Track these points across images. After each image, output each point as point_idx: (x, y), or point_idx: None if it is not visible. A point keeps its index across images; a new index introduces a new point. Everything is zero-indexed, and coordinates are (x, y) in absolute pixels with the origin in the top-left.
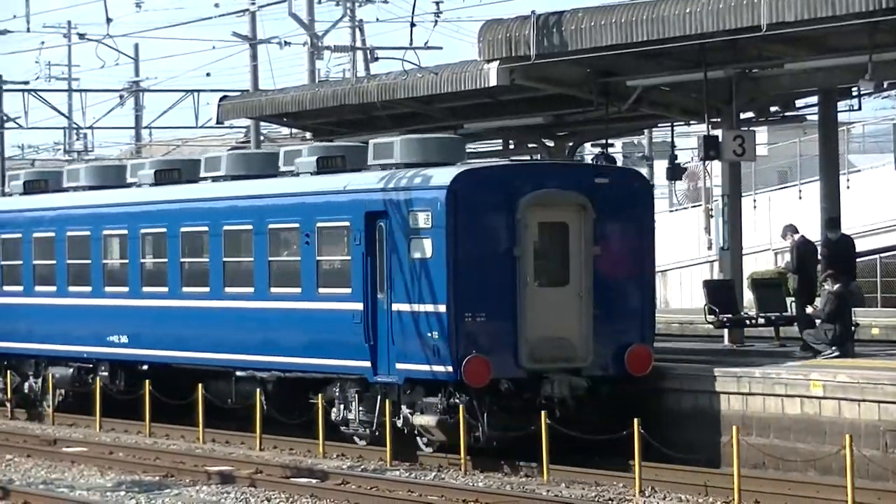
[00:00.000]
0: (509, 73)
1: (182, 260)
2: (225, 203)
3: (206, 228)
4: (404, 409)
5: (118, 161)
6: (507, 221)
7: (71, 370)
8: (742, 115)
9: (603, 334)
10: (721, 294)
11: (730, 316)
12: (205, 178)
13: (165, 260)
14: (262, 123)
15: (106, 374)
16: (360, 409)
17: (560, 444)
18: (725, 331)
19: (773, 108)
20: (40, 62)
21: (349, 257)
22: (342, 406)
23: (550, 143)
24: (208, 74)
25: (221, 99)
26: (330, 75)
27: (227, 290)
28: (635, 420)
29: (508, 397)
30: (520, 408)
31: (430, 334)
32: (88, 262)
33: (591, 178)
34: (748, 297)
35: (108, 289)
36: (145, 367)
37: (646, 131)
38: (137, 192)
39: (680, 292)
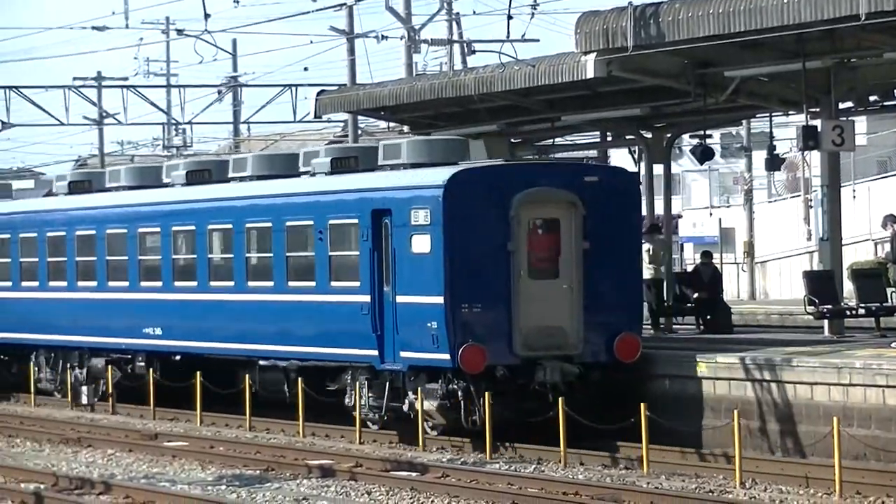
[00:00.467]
0: (606, 65)
1: (209, 256)
2: (247, 202)
3: (230, 226)
4: (410, 395)
5: (160, 160)
6: (501, 218)
7: (114, 361)
8: (841, 105)
9: (593, 323)
10: (821, 285)
11: (830, 307)
12: (233, 179)
13: (195, 256)
14: (359, 117)
15: (143, 364)
16: (370, 395)
17: (554, 429)
18: (825, 322)
19: (872, 98)
20: (139, 58)
21: (358, 252)
22: (352, 392)
23: (648, 135)
24: (306, 69)
25: (319, 93)
26: (427, 69)
27: (250, 283)
28: (735, 412)
29: (504, 383)
30: (515, 393)
31: (429, 324)
32: (126, 258)
33: (580, 176)
34: (848, 287)
35: (143, 283)
36: (178, 357)
37: (744, 122)
38: (170, 191)
39: (779, 283)
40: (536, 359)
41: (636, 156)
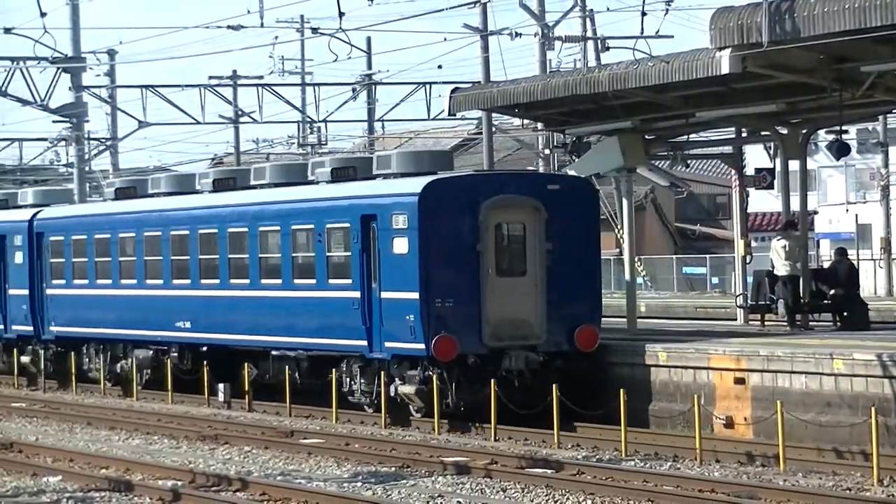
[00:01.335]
0: (741, 61)
1: (229, 256)
2: (259, 208)
3: (245, 229)
4: (397, 381)
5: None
6: (471, 222)
7: (150, 352)
8: None
9: (555, 316)
10: None
11: None
12: (253, 186)
13: (217, 256)
14: (493, 115)
15: (176, 355)
16: (362, 381)
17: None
18: None
19: None
20: (274, 57)
21: (350, 253)
22: (349, 379)
23: (783, 131)
24: (440, 66)
25: (453, 91)
26: (561, 66)
27: (263, 281)
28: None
29: (474, 370)
30: (484, 379)
31: (408, 317)
32: (160, 258)
33: (544, 184)
34: None
35: (175, 281)
36: (204, 348)
37: (880, 117)
38: (197, 198)
39: None
40: (503, 348)
41: (771, 152)
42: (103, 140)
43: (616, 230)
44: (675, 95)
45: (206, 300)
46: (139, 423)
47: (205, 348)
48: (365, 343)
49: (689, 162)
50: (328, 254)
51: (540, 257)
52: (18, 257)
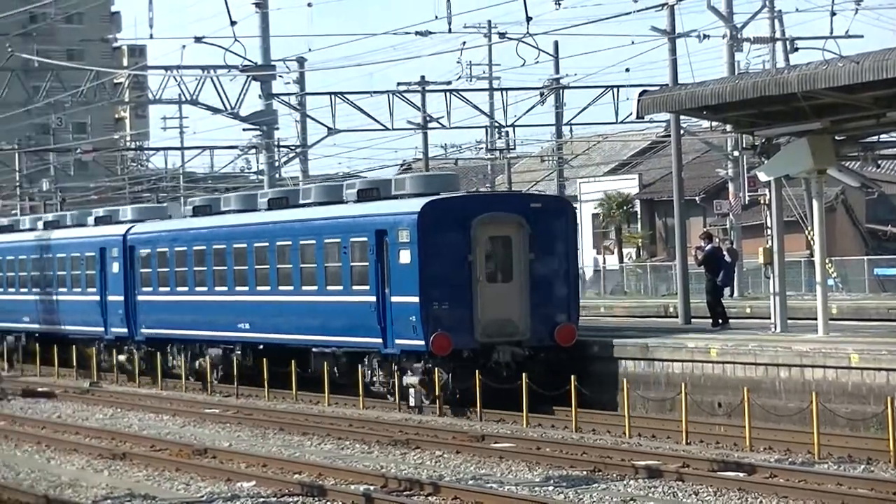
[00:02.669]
0: None
1: (277, 266)
2: (300, 224)
3: (290, 243)
4: (407, 373)
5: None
6: (463, 236)
7: (220, 351)
8: None
9: (538, 316)
10: None
11: None
12: (302, 205)
13: (268, 266)
14: (681, 117)
15: (239, 353)
16: (381, 373)
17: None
18: None
19: None
20: (461, 62)
21: (367, 263)
22: (370, 372)
23: None
24: (627, 70)
25: (641, 94)
26: (749, 67)
27: (303, 288)
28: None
29: (468, 362)
30: (476, 370)
31: (411, 318)
32: (225, 268)
33: (527, 203)
34: None
35: (237, 288)
36: (261, 346)
37: None
38: (254, 215)
39: None
40: (493, 344)
41: None
42: (293, 147)
43: (806, 232)
44: (865, 95)
45: (260, 304)
46: (331, 428)
47: (261, 346)
48: (380, 341)
49: (880, 162)
50: (352, 264)
51: (524, 266)
52: (115, 267)
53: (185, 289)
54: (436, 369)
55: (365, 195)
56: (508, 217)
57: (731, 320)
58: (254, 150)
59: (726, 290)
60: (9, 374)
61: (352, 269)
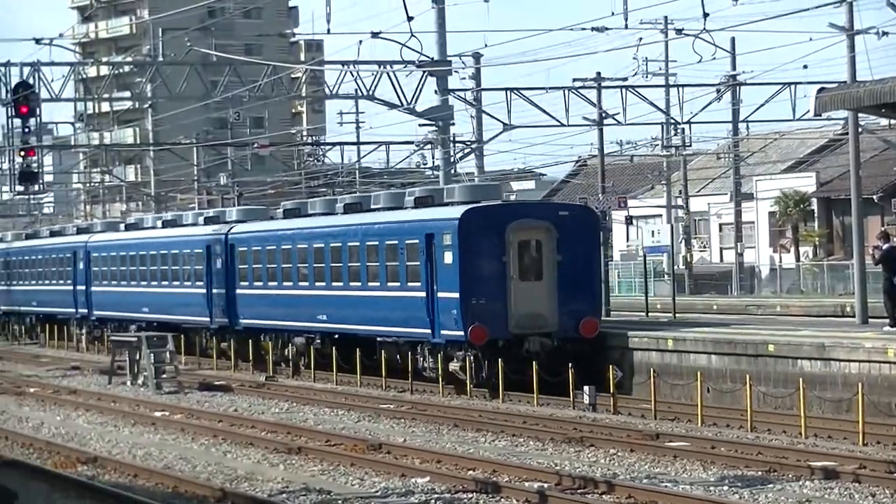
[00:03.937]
0: None
1: (349, 264)
2: (368, 227)
3: (358, 243)
4: (452, 361)
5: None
6: (498, 239)
7: (303, 340)
8: None
9: (564, 311)
10: None
11: None
12: (371, 210)
13: (341, 264)
14: (860, 115)
15: (318, 342)
16: (431, 360)
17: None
18: None
19: None
20: (637, 58)
21: (419, 263)
22: (422, 359)
23: None
24: (805, 66)
25: (819, 91)
26: None
27: (370, 283)
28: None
29: (502, 351)
30: (510, 358)
31: (453, 311)
32: (307, 265)
33: (556, 211)
34: None
35: (316, 283)
36: (336, 336)
37: None
38: (331, 218)
39: None
40: (524, 335)
41: None
42: (469, 143)
43: None
44: None
45: (335, 298)
46: (505, 424)
47: (336, 336)
48: (429, 331)
49: None
50: (407, 263)
51: (552, 266)
52: (219, 263)
53: (275, 283)
54: (473, 356)
55: (421, 202)
56: (539, 223)
57: None
58: (429, 146)
59: None
60: (186, 367)
61: (407, 267)
